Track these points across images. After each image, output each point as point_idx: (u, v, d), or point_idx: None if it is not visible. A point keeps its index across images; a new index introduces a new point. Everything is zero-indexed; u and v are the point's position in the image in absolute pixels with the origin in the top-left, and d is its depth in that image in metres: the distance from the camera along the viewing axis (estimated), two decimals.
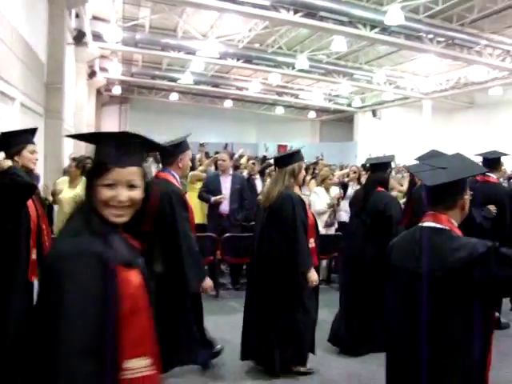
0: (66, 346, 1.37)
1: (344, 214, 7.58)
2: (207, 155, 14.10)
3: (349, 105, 26.77)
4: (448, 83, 20.64)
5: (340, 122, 30.71)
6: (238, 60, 17.26)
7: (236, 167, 8.23)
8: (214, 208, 6.60)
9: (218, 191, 6.54)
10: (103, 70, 19.27)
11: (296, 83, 23.79)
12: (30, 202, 3.61)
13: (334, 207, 7.23)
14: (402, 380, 2.20)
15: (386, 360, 2.32)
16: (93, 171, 1.60)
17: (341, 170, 11.01)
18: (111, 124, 25.97)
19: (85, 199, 1.62)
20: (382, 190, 4.67)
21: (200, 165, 8.68)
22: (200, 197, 6.67)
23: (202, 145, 10.78)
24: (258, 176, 8.21)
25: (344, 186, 8.20)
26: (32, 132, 3.88)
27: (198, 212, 6.81)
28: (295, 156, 4.15)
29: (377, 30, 13.03)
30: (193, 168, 7.98)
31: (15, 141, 3.65)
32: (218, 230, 6.46)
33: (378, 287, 3.93)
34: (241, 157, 9.16)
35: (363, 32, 13.01)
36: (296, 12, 12.01)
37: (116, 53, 18.25)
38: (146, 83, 23.09)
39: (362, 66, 19.39)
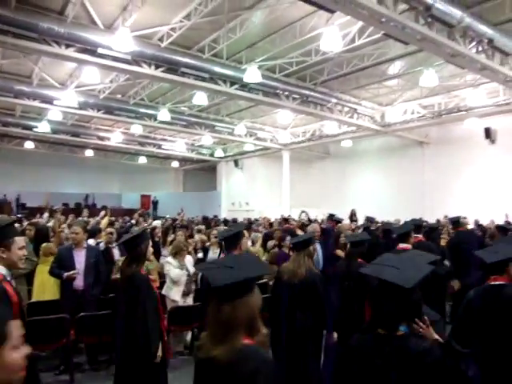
0: None
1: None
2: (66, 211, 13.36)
3: (211, 155, 27.35)
4: (305, 135, 22.11)
5: (203, 171, 31.17)
6: (98, 110, 16.92)
7: (97, 231, 7.73)
8: (67, 284, 6.11)
9: (71, 266, 6.04)
10: None
11: (159, 133, 23.83)
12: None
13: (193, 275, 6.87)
14: None
15: None
16: None
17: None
18: None
19: None
20: (362, 261, 5.32)
21: (53, 234, 7.82)
22: (51, 273, 5.99)
23: (54, 211, 9.66)
24: (114, 245, 7.68)
25: (205, 250, 8.11)
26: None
27: (51, 288, 6.40)
28: (311, 240, 5.08)
29: (236, 86, 13.60)
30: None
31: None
32: (73, 306, 5.95)
33: None
34: (102, 218, 8.58)
35: (223, 88, 13.48)
36: (158, 67, 12.12)
37: None
38: None
39: (223, 119, 20.06)
